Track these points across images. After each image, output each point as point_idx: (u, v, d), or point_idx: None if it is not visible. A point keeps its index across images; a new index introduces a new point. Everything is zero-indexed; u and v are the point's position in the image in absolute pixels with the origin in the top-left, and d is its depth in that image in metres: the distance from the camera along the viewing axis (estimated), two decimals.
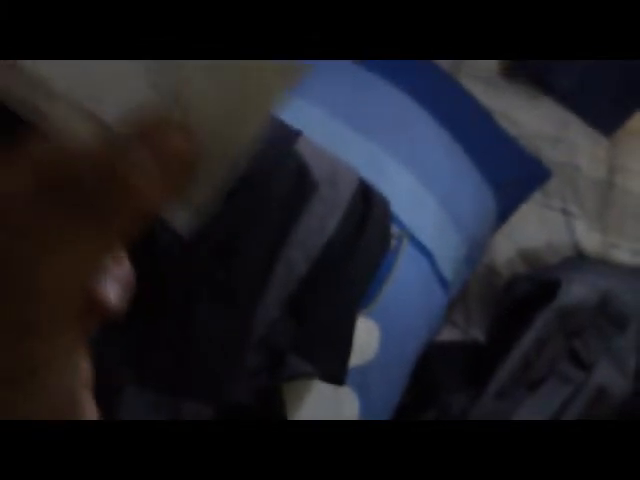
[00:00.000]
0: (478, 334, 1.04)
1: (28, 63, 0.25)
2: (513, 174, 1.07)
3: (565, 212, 1.22)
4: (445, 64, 1.16)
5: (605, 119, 1.35)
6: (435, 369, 0.92)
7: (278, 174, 0.68)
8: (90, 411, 0.28)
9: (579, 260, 1.13)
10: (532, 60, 1.28)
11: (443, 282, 0.88)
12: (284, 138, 0.71)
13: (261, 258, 0.68)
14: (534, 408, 0.83)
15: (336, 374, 0.71)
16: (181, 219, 0.25)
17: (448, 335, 1.03)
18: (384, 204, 0.75)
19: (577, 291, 0.90)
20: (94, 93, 0.25)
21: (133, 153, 0.22)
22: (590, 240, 1.20)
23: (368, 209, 0.72)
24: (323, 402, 0.76)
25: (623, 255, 1.18)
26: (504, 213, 1.07)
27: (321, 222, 0.68)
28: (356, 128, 0.88)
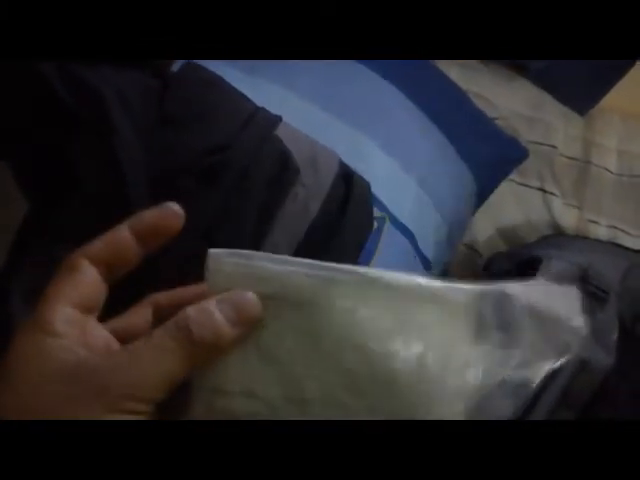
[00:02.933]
0: None
1: None
2: (491, 154, 1.08)
3: (543, 191, 1.23)
4: None
5: (579, 98, 1.36)
6: None
7: (259, 160, 0.68)
8: None
9: (558, 237, 1.14)
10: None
11: (425, 261, 0.88)
12: (264, 124, 0.71)
13: (245, 244, 0.68)
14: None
15: None
16: None
17: None
18: (365, 186, 0.75)
19: (557, 267, 0.90)
20: None
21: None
22: (568, 218, 1.21)
23: (349, 192, 0.72)
24: None
25: (601, 230, 1.19)
26: (483, 193, 1.08)
27: (304, 206, 0.68)
28: (335, 113, 0.88)
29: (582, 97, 1.36)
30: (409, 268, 0.86)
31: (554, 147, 1.29)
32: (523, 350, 0.34)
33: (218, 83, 0.72)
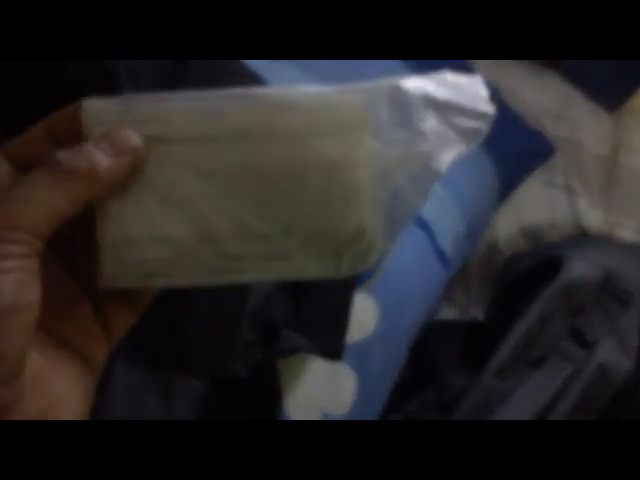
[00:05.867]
0: (478, 313, 1.04)
1: None
2: (516, 149, 1.07)
3: (568, 189, 1.21)
4: None
5: (609, 95, 1.33)
6: (435, 347, 0.91)
7: None
8: None
9: (582, 237, 1.12)
10: None
11: (442, 257, 0.87)
12: None
13: None
14: (535, 386, 0.82)
15: (333, 350, 0.70)
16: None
17: (448, 314, 1.03)
18: None
19: (580, 268, 0.89)
20: None
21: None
22: (593, 218, 1.19)
23: None
24: (319, 379, 0.75)
25: (627, 233, 1.17)
26: (506, 189, 1.06)
27: None
28: None
29: (611, 95, 1.33)
30: (425, 262, 0.85)
31: (582, 144, 1.26)
32: (428, 142, 0.33)
33: (233, 63, 0.70)
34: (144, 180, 0.31)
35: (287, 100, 0.32)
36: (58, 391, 0.31)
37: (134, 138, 0.31)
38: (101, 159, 0.30)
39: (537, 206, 1.17)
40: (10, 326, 0.27)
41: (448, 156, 0.33)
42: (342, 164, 0.32)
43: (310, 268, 0.32)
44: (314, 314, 0.70)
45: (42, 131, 0.32)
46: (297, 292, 0.70)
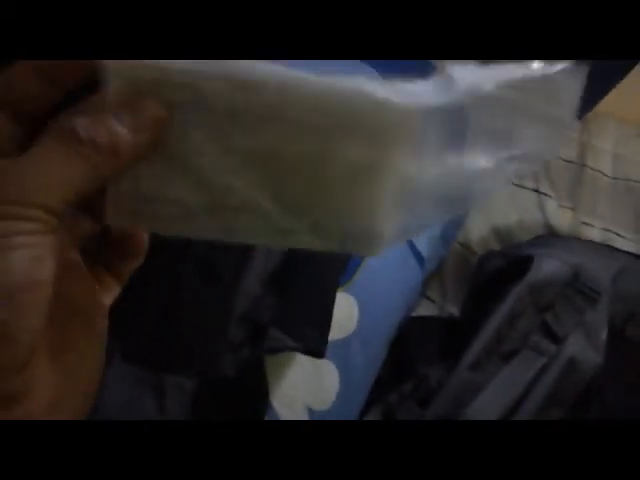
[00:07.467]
0: (454, 310, 1.06)
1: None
2: None
3: (537, 192, 1.23)
4: None
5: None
6: (412, 343, 0.93)
7: None
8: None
9: (551, 237, 1.15)
10: None
11: (419, 258, 0.89)
12: None
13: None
14: (507, 379, 0.85)
15: (316, 348, 0.72)
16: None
17: (425, 311, 1.05)
18: None
19: (549, 266, 0.91)
20: None
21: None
22: (562, 219, 1.21)
23: None
24: (304, 375, 0.77)
25: (594, 233, 1.19)
26: None
27: None
28: None
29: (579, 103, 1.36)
30: (403, 263, 0.88)
31: None
32: (464, 176, 0.31)
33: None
34: (164, 145, 0.29)
35: (333, 89, 0.29)
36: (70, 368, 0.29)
37: (159, 110, 0.27)
38: (123, 133, 0.26)
39: (508, 208, 1.20)
40: (22, 306, 0.24)
41: (484, 189, 0.31)
42: (369, 170, 0.30)
43: (315, 244, 0.31)
44: (299, 313, 0.72)
45: (31, 69, 0.28)
46: (283, 292, 0.72)
